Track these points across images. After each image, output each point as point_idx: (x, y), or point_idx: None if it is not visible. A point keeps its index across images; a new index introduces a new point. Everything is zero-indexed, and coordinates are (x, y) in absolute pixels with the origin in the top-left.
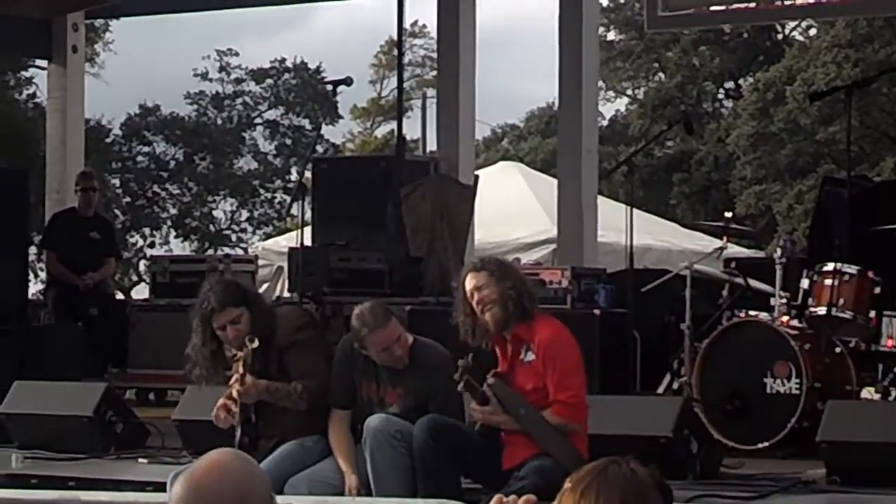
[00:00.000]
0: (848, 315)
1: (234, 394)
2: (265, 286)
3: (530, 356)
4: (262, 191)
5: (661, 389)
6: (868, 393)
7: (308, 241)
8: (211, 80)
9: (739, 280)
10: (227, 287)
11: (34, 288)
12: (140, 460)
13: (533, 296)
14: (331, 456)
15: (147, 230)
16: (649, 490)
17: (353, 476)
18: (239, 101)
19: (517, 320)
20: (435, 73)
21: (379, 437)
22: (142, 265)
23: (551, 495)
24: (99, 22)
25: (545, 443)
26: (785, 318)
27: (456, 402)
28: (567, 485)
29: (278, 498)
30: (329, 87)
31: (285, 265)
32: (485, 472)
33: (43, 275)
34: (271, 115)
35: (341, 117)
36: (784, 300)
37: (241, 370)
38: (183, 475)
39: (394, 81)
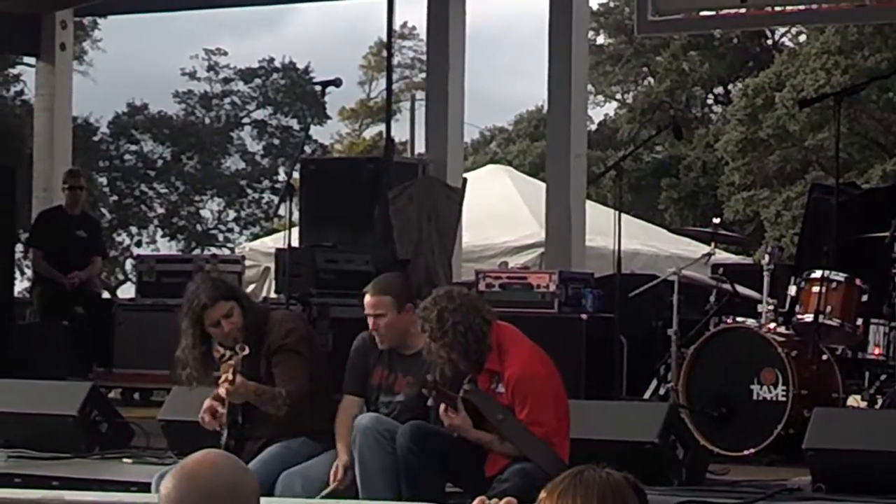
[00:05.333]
0: (835, 322)
1: (222, 392)
2: (252, 287)
3: (501, 388)
4: (249, 191)
5: (647, 395)
6: (854, 401)
7: (295, 242)
8: (199, 79)
9: (727, 286)
10: (214, 282)
11: (20, 286)
12: (124, 460)
13: (479, 334)
14: (322, 454)
15: (134, 229)
16: (626, 490)
17: (346, 456)
18: (227, 100)
19: (474, 365)
20: (424, 75)
21: (367, 435)
22: (128, 264)
23: (533, 498)
24: (87, 20)
25: (524, 448)
26: (772, 325)
27: None
28: (543, 494)
29: (266, 499)
30: (318, 88)
31: (272, 266)
32: (468, 477)
33: (29, 273)
34: (259, 114)
35: (329, 118)
36: (771, 307)
37: (230, 376)
38: (172, 471)
39: (382, 83)
